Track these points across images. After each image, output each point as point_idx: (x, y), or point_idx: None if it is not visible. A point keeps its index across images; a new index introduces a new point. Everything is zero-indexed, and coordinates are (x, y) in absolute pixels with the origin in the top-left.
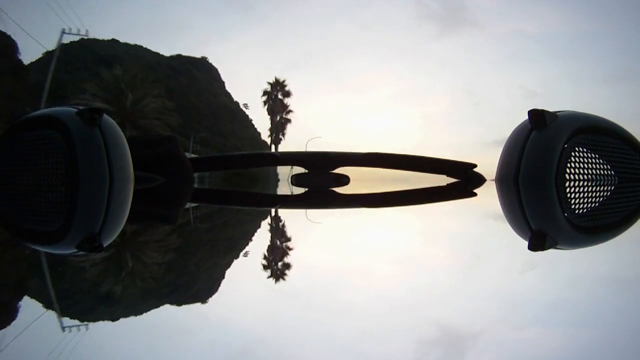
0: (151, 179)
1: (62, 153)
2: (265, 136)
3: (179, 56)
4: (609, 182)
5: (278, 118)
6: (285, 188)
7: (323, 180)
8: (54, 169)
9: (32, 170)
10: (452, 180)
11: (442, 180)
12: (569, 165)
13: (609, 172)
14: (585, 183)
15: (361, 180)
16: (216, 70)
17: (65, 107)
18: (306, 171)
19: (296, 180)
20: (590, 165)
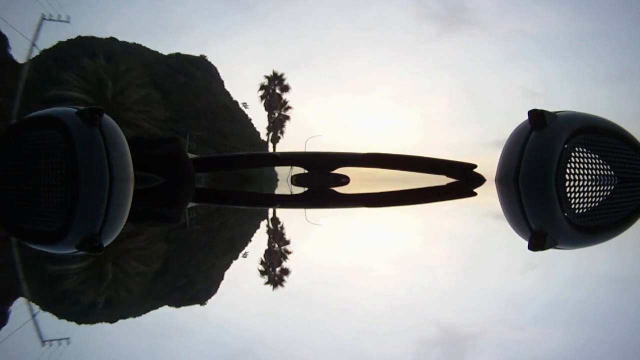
0: (151, 179)
1: (62, 153)
2: (264, 135)
3: (177, 54)
4: (609, 182)
5: (276, 115)
6: (285, 188)
7: (323, 180)
8: (54, 169)
9: (32, 170)
10: (451, 180)
11: (442, 180)
12: (569, 165)
13: (609, 172)
14: (585, 183)
15: (361, 180)
16: (215, 69)
17: (65, 107)
18: (306, 171)
19: (296, 180)
20: (590, 166)
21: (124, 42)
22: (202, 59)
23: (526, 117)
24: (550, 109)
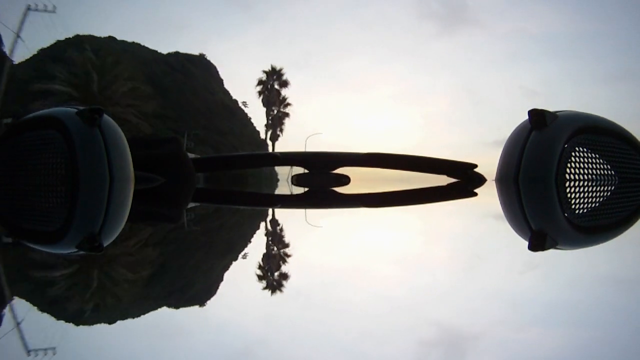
0: (152, 179)
1: (62, 153)
2: (264, 133)
3: (176, 53)
4: (609, 182)
5: (275, 111)
6: (285, 188)
7: (323, 180)
8: (54, 169)
9: (32, 170)
10: (452, 180)
11: (442, 180)
12: (569, 165)
13: (609, 172)
14: (586, 183)
15: (361, 180)
16: (214, 67)
17: (65, 107)
18: (306, 171)
19: (297, 180)
20: (590, 165)
21: (123, 41)
22: (201, 57)
23: (526, 117)
24: (551, 108)
